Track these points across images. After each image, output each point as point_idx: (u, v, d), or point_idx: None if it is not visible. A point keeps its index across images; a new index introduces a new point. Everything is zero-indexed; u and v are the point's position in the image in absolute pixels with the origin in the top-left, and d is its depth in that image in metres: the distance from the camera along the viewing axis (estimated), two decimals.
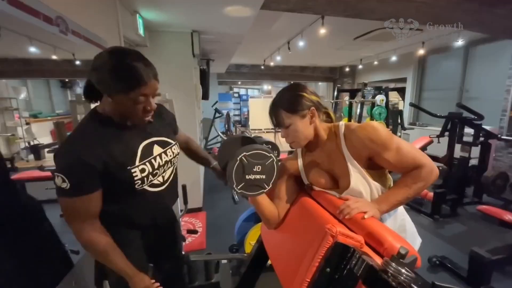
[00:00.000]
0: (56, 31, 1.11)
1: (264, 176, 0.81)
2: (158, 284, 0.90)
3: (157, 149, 0.91)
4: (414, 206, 3.10)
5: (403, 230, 0.94)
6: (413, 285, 0.47)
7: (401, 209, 0.95)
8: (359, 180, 0.85)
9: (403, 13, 2.26)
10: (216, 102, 6.80)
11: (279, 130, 0.94)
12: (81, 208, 0.76)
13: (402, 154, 0.80)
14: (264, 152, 0.80)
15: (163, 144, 0.94)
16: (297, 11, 2.20)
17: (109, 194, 0.81)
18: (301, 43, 3.67)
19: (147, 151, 0.88)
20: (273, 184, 0.84)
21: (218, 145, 6.63)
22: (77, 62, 1.43)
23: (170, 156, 0.96)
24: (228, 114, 7.07)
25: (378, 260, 0.56)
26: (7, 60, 1.40)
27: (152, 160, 0.88)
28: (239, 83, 11.12)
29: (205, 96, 4.34)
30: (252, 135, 3.79)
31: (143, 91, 0.75)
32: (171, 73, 2.92)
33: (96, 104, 0.84)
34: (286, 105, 0.86)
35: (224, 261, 2.06)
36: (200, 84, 4.03)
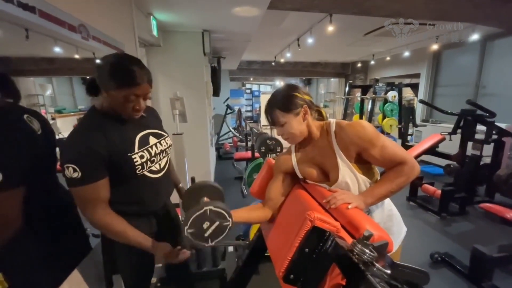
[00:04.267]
0: (78, 37, 1.24)
1: (218, 222, 0.86)
2: (179, 247, 1.02)
3: (152, 139, 1.02)
4: (422, 203, 3.09)
5: (390, 220, 1.02)
6: (375, 263, 0.55)
7: (387, 201, 1.02)
8: (347, 173, 0.93)
9: (411, 10, 2.25)
10: (228, 98, 6.90)
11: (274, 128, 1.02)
12: (93, 194, 0.85)
13: (386, 151, 0.88)
14: (198, 213, 0.84)
15: (157, 136, 1.06)
16: (303, 10, 2.24)
17: (114, 181, 0.91)
18: (310, 40, 3.69)
19: (144, 141, 0.98)
20: (230, 216, 0.88)
21: (230, 140, 6.76)
22: (97, 61, 1.56)
23: (164, 146, 1.07)
24: (239, 110, 7.17)
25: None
26: (34, 59, 1.53)
27: (149, 148, 0.99)
28: (251, 79, 11.19)
29: (216, 93, 4.46)
30: (261, 130, 3.87)
31: (134, 91, 0.85)
32: (183, 71, 3.04)
33: (95, 98, 0.93)
34: (280, 104, 0.94)
35: (230, 250, 2.18)
36: (211, 81, 4.14)
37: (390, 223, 1.01)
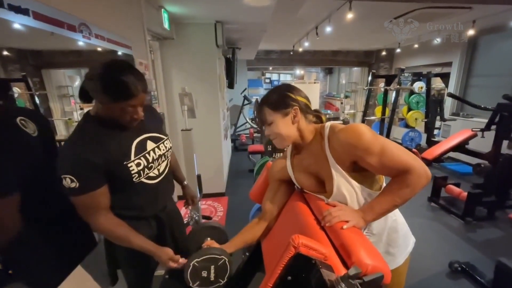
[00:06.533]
0: (79, 37, 1.23)
1: (217, 274, 0.91)
2: (178, 256, 1.02)
3: (150, 144, 0.99)
4: (444, 205, 2.88)
5: (395, 231, 0.92)
6: None
7: None
8: (343, 184, 0.83)
9: None
10: (245, 89, 6.83)
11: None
12: (92, 203, 0.86)
13: (386, 157, 0.75)
14: (215, 256, 0.90)
15: (156, 140, 1.03)
16: None
17: (112, 188, 0.91)
18: (329, 29, 3.47)
19: (141, 147, 0.96)
20: (228, 278, 0.94)
21: (247, 131, 6.74)
22: (119, 53, 1.58)
23: (163, 150, 1.04)
24: (257, 101, 7.07)
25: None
26: (63, 52, 1.59)
27: (146, 155, 0.96)
28: (270, 68, 10.95)
29: (231, 85, 4.40)
30: None
31: (131, 102, 0.83)
32: (196, 64, 3.01)
33: (90, 104, 0.92)
34: (270, 102, 0.88)
35: None
36: (226, 73, 4.08)
37: (395, 234, 0.91)
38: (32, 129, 0.93)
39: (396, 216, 0.93)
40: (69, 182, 0.80)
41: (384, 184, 0.88)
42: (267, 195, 1.04)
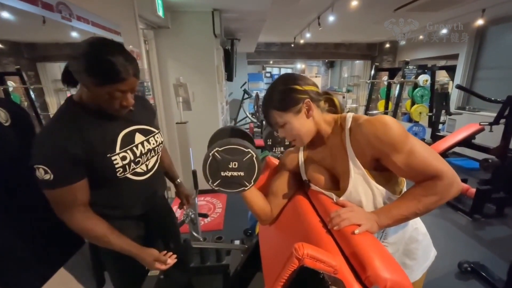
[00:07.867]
0: (58, 18, 1.11)
1: (242, 173, 0.74)
2: (170, 253, 0.94)
3: (139, 137, 0.90)
4: (451, 201, 2.78)
5: (415, 241, 0.82)
6: None
7: None
8: (360, 182, 0.73)
9: None
10: (245, 83, 6.69)
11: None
12: (68, 198, 0.77)
13: (415, 158, 0.65)
14: (240, 148, 0.73)
15: (145, 132, 0.93)
16: None
17: (93, 184, 0.82)
18: (332, 18, 3.33)
19: (128, 139, 0.87)
20: (255, 181, 0.76)
21: (247, 126, 6.62)
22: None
23: (153, 144, 0.95)
24: (257, 95, 6.95)
25: None
26: (58, 45, 1.51)
27: (134, 148, 0.87)
28: (271, 62, 10.79)
29: (230, 78, 4.27)
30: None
31: (120, 87, 0.73)
32: (193, 54, 2.89)
33: (74, 89, 0.83)
34: (276, 103, 0.76)
35: (236, 243, 2.09)
36: (225, 65, 3.95)
37: (414, 245, 0.81)
38: (4, 118, 0.85)
39: (418, 224, 0.83)
40: (42, 173, 0.71)
41: (405, 189, 0.77)
42: (276, 180, 0.93)
